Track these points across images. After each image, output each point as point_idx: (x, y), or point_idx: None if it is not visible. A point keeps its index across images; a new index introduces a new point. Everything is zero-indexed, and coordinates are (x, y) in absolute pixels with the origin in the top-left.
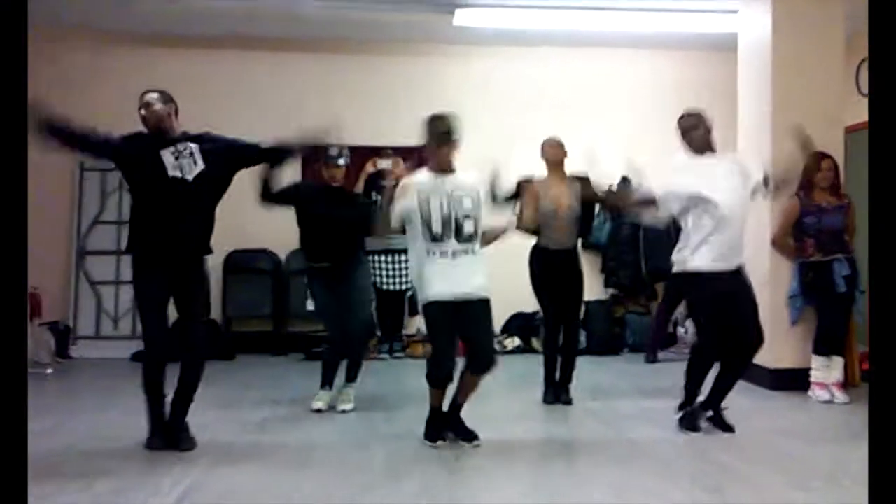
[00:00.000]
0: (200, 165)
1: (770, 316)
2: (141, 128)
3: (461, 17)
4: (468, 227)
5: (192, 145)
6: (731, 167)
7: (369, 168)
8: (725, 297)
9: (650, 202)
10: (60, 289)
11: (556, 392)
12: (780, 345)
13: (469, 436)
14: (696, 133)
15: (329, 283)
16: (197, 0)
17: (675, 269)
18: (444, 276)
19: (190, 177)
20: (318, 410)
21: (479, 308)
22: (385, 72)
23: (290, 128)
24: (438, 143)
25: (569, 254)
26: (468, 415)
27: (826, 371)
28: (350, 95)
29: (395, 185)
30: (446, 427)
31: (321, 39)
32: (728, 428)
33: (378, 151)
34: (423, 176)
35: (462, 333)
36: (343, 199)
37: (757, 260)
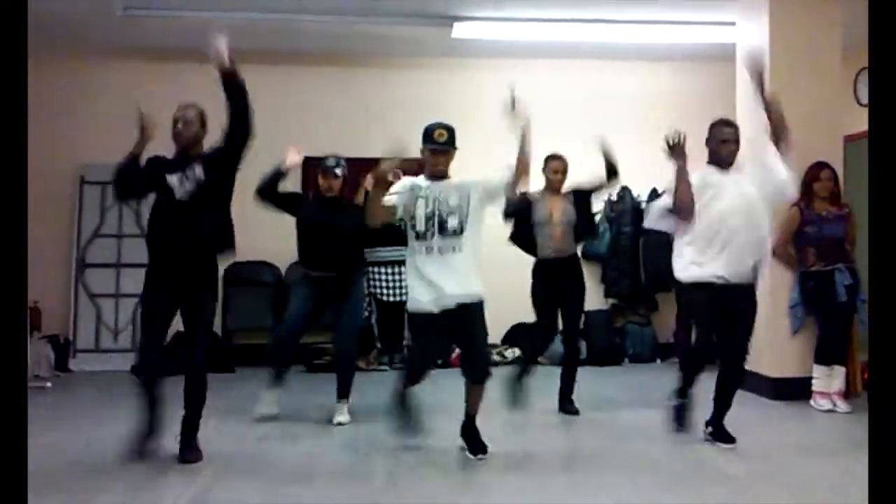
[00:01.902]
0: (202, 178)
1: (771, 325)
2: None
3: (459, 31)
4: (452, 222)
5: (197, 168)
6: (741, 179)
7: (369, 180)
8: (718, 307)
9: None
10: (60, 302)
11: (560, 402)
12: (781, 354)
13: (476, 449)
14: (712, 144)
15: (319, 294)
16: (193, 14)
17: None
18: (430, 284)
19: (186, 197)
20: (264, 417)
21: (469, 313)
22: (384, 85)
23: (288, 141)
24: (432, 151)
25: (569, 261)
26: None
27: (828, 380)
28: (348, 108)
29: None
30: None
31: (319, 53)
32: (729, 439)
33: (377, 164)
34: (417, 179)
35: (456, 341)
36: (340, 209)
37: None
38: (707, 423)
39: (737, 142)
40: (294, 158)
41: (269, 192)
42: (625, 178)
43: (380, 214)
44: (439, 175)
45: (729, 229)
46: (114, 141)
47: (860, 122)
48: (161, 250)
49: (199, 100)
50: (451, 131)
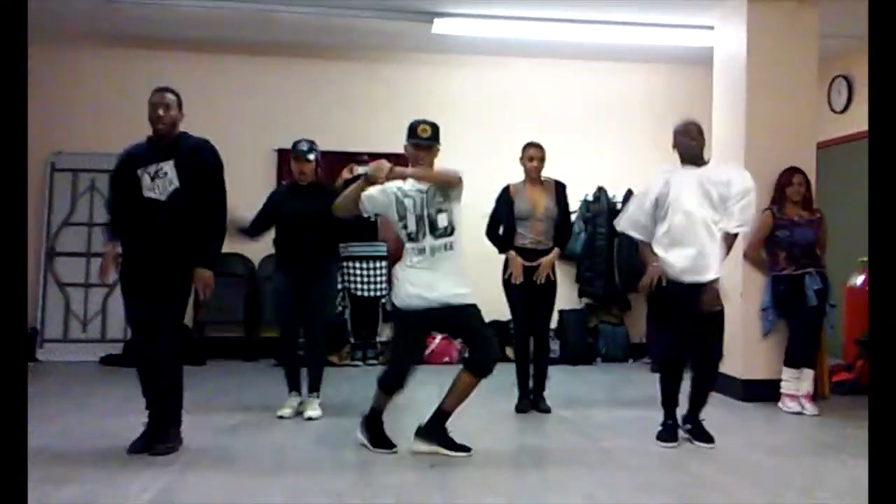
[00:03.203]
0: (175, 185)
1: (742, 327)
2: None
3: (440, 26)
4: (442, 221)
5: (168, 165)
6: (704, 180)
7: (346, 174)
8: (687, 308)
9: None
10: (28, 291)
11: (533, 400)
12: (752, 356)
13: (455, 447)
14: (683, 140)
15: (293, 279)
16: (176, 3)
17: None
18: (419, 281)
19: (164, 197)
20: (282, 417)
21: (463, 314)
22: (363, 78)
23: (267, 132)
24: (416, 148)
25: (544, 255)
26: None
27: (796, 383)
28: (328, 101)
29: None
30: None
31: (299, 45)
32: (708, 439)
33: (355, 157)
34: (402, 184)
35: (460, 337)
36: (314, 195)
37: (730, 272)
38: (684, 420)
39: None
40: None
41: (252, 233)
42: (601, 179)
43: (349, 208)
44: None
45: (694, 226)
46: (85, 128)
47: (833, 128)
48: (129, 246)
49: (174, 88)
50: (434, 127)
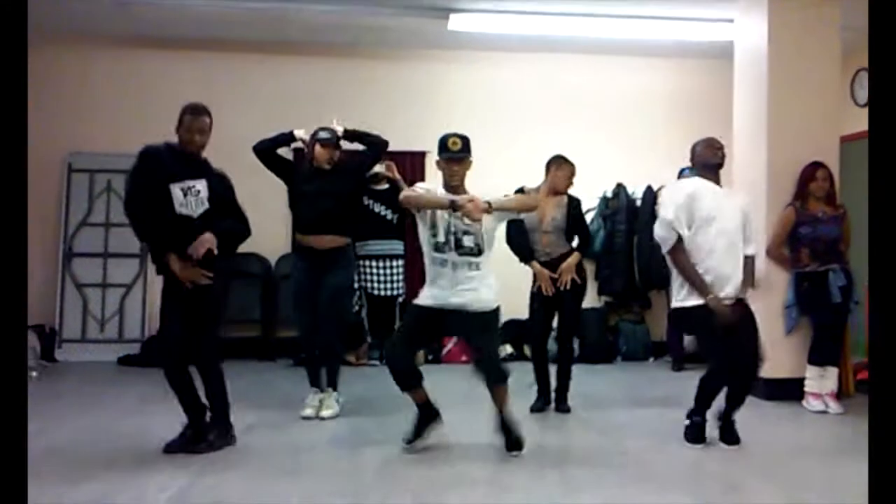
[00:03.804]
0: (206, 205)
1: (765, 325)
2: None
3: (455, 22)
4: (467, 242)
5: (201, 184)
6: (736, 202)
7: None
8: (725, 326)
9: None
10: (46, 291)
11: (555, 400)
12: (774, 354)
13: (510, 446)
14: (712, 160)
15: (312, 268)
16: (191, 3)
17: (675, 305)
18: (438, 284)
19: (196, 214)
20: (305, 418)
21: (476, 320)
22: (378, 76)
23: (282, 129)
24: (449, 162)
25: (564, 259)
26: (463, 421)
27: (820, 381)
28: (343, 99)
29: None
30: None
31: (314, 44)
32: (734, 440)
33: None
34: (437, 187)
35: (468, 343)
36: (333, 174)
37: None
38: (718, 417)
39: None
40: (302, 134)
41: (268, 150)
42: (620, 176)
43: (419, 207)
44: (454, 187)
45: (729, 246)
46: (102, 129)
47: (857, 122)
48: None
49: (187, 88)
50: (465, 140)
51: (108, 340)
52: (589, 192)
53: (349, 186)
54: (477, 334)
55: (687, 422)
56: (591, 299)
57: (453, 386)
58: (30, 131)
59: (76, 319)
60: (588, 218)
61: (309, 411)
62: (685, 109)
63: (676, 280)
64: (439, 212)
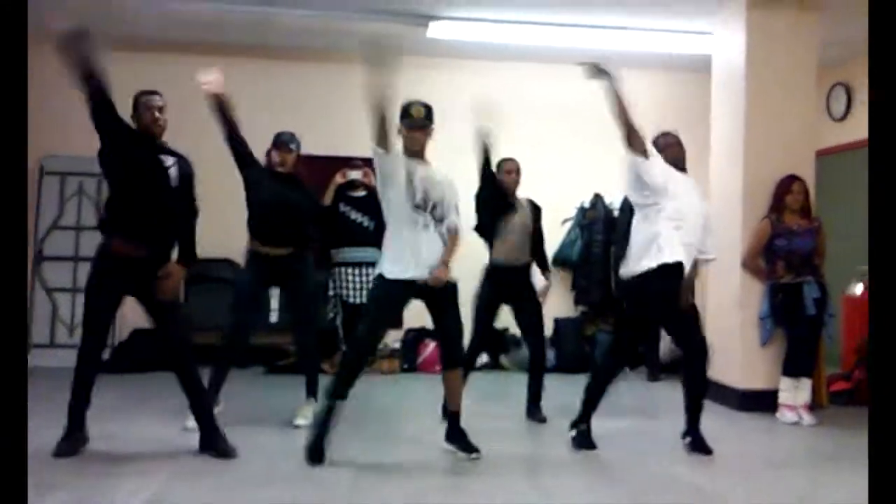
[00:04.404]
0: (175, 182)
1: (740, 337)
2: None
3: (435, 30)
4: (438, 210)
5: (171, 160)
6: (700, 197)
7: (339, 179)
8: (662, 296)
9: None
10: None
11: (529, 410)
12: (749, 366)
13: (468, 447)
14: (671, 151)
15: (268, 274)
16: (170, 6)
17: (622, 274)
18: (415, 253)
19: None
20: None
21: (444, 292)
22: (356, 82)
23: (260, 135)
24: (411, 130)
25: (521, 270)
26: (437, 431)
27: (794, 392)
28: (320, 105)
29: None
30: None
31: (294, 48)
32: (707, 450)
33: (348, 162)
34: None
35: (435, 323)
36: (294, 186)
37: (728, 280)
38: (683, 435)
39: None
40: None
41: (236, 136)
42: (597, 186)
43: (382, 132)
44: (416, 154)
45: (685, 225)
46: (75, 131)
47: (832, 136)
48: (141, 230)
49: (164, 91)
50: (428, 108)
51: (77, 346)
52: (567, 202)
53: (309, 201)
54: (447, 307)
55: (572, 431)
56: (567, 309)
57: (427, 395)
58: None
59: (45, 324)
60: (565, 228)
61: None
62: (662, 121)
63: (631, 248)
64: (416, 181)
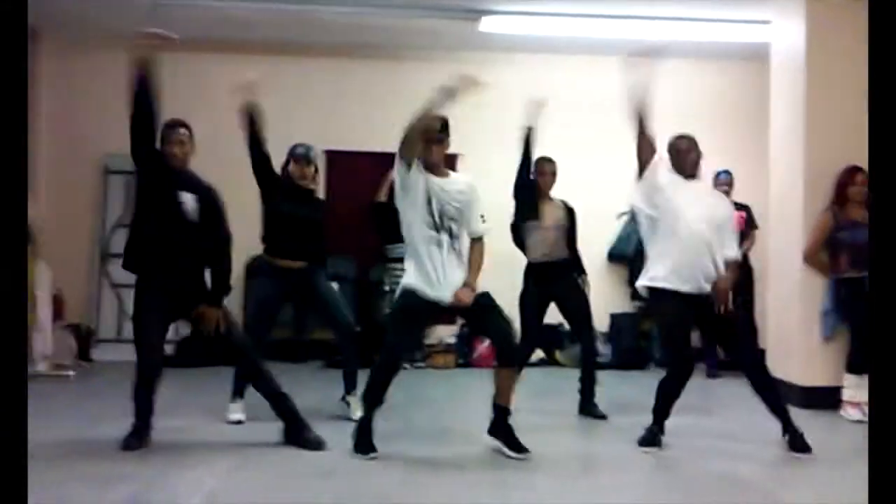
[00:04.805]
0: (195, 218)
1: (801, 332)
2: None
3: (487, 24)
4: (455, 228)
5: (189, 197)
6: (714, 199)
7: (392, 175)
8: (684, 317)
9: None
10: (83, 291)
11: (584, 406)
12: (811, 362)
13: (516, 447)
14: (690, 157)
15: (285, 288)
16: (220, 4)
17: (639, 285)
18: (435, 271)
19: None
20: (239, 422)
21: (478, 304)
22: (410, 78)
23: (314, 132)
24: (427, 142)
25: (561, 265)
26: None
27: (859, 390)
28: (372, 102)
29: None
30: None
31: (346, 45)
32: (805, 448)
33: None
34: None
35: (479, 332)
36: (309, 200)
37: (789, 274)
38: (783, 433)
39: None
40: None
41: (262, 154)
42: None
43: (414, 146)
44: (432, 167)
45: (696, 241)
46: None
47: None
48: (163, 264)
49: (219, 89)
50: (444, 121)
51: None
52: (621, 195)
53: (322, 215)
54: (485, 313)
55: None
56: (623, 304)
57: (481, 391)
58: (68, 134)
59: (112, 319)
60: (622, 221)
61: (237, 416)
62: (721, 112)
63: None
64: (440, 194)
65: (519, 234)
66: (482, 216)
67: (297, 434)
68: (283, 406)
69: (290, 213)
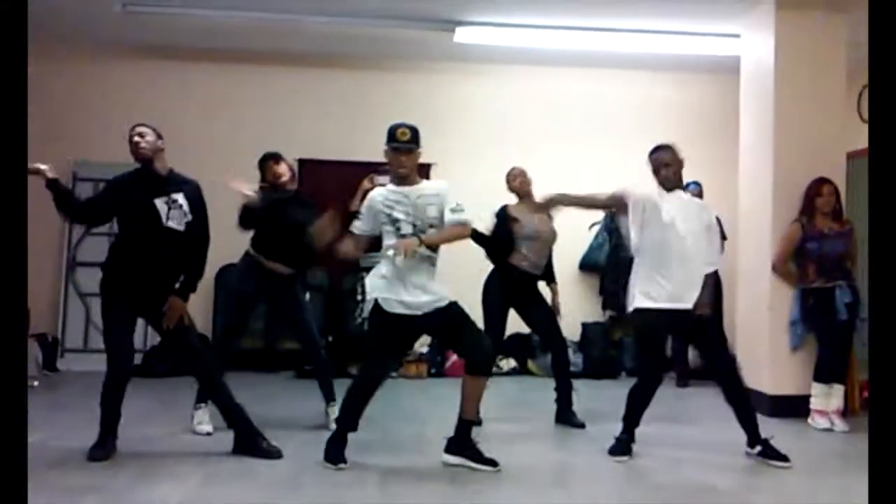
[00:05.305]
0: (189, 217)
1: (770, 341)
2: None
3: (462, 35)
4: (433, 229)
5: (180, 196)
6: (698, 210)
7: (366, 184)
8: (661, 325)
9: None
10: (49, 300)
11: (561, 415)
12: (780, 371)
13: (485, 461)
14: (670, 170)
15: (267, 290)
16: (192, 12)
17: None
18: (407, 288)
19: (181, 227)
20: (208, 434)
21: (447, 313)
22: (384, 88)
23: (288, 141)
24: (396, 152)
25: (535, 279)
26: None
27: (826, 398)
28: (349, 111)
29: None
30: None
31: (321, 54)
32: (781, 457)
33: (376, 168)
34: (384, 190)
35: (447, 342)
36: (299, 205)
37: (757, 284)
38: (749, 444)
39: (679, 164)
40: (239, 186)
41: (255, 222)
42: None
43: (330, 234)
44: (403, 177)
45: (685, 255)
46: (107, 138)
47: (863, 138)
48: (140, 274)
49: (196, 97)
50: (414, 130)
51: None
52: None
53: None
54: (455, 322)
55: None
56: (594, 314)
57: (454, 400)
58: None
59: (78, 329)
60: (593, 231)
61: (207, 427)
62: (691, 124)
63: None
64: (397, 207)
65: (498, 244)
66: (458, 204)
67: (250, 443)
68: (234, 415)
69: (280, 218)
